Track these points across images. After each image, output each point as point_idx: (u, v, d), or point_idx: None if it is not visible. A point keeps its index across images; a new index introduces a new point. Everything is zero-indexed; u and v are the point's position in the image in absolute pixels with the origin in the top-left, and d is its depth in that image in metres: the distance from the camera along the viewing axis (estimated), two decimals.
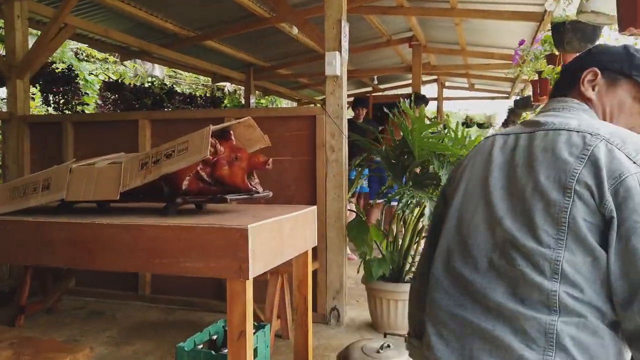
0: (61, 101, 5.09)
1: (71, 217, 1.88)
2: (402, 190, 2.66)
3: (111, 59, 12.79)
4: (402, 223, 3.17)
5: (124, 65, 12.75)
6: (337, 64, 3.08)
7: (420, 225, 3.03)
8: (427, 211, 2.45)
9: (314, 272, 3.18)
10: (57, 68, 5.13)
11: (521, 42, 4.23)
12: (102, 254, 1.82)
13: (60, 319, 3.38)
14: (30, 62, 3.91)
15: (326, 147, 3.15)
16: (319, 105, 3.15)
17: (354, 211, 3.45)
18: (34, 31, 5.17)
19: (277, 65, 8.13)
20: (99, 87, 6.18)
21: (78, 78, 5.37)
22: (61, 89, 5.02)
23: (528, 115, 7.16)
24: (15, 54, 3.92)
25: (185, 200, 1.91)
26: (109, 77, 6.83)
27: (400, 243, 3.10)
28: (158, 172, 1.80)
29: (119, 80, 6.07)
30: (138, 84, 6.83)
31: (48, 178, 2.01)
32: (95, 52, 12.45)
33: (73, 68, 5.30)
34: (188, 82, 13.33)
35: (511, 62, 7.06)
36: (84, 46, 12.52)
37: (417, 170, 3.03)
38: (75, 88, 5.23)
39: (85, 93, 5.45)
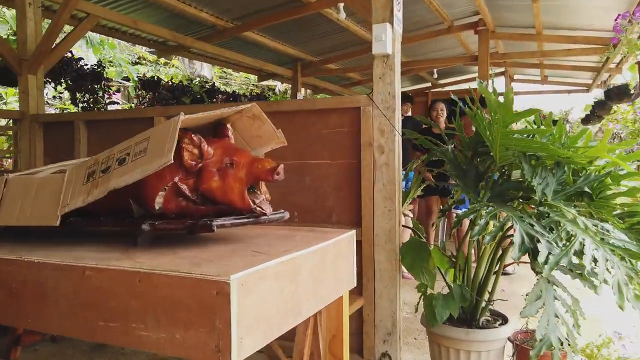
0: (90, 100, 4.70)
1: None
2: (478, 207, 1.92)
3: (162, 61, 12.69)
4: (472, 241, 2.41)
5: (175, 67, 12.61)
6: (387, 38, 2.37)
7: (500, 250, 2.26)
8: (517, 238, 1.69)
9: (359, 309, 2.49)
10: (86, 64, 4.76)
11: (624, 15, 3.34)
12: (31, 306, 1.23)
13: (61, 351, 2.90)
14: (41, 55, 3.48)
15: (374, 147, 2.45)
16: (364, 94, 2.44)
17: (409, 228, 2.72)
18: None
19: (325, 60, 7.49)
20: (134, 86, 5.80)
21: (106, 75, 4.97)
22: (89, 86, 4.63)
23: (619, 109, 6.04)
24: (27, 46, 3.51)
25: (154, 226, 1.28)
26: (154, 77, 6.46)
27: (473, 273, 2.34)
28: (105, 186, 1.18)
29: (155, 78, 5.66)
30: (176, 81, 6.42)
31: None
32: (146, 54, 12.38)
33: (102, 64, 4.90)
34: (238, 82, 12.99)
35: (598, 46, 6.03)
36: (138, 48, 12.49)
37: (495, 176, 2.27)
38: (105, 86, 4.84)
39: (117, 91, 5.05)
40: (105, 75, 4.86)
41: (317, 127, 2.63)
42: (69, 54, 4.64)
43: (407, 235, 3.17)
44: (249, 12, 5.25)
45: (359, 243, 2.52)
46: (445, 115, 4.64)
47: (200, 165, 1.32)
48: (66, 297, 1.20)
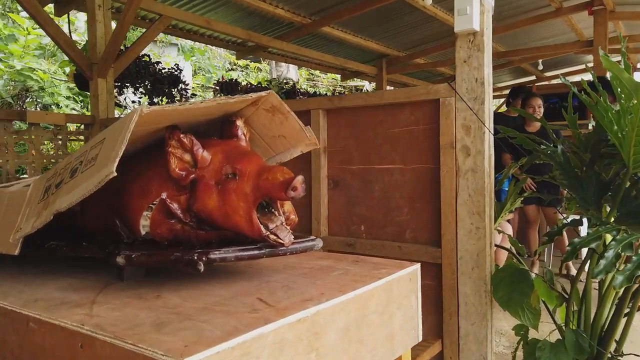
0: (168, 103, 4.65)
1: None
2: (602, 230, 1.36)
3: (252, 65, 12.86)
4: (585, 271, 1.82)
5: (265, 71, 12.72)
6: (474, 11, 1.87)
7: (636, 284, 1.66)
8: None
9: (438, 354, 2.00)
10: (164, 68, 4.72)
11: None
12: None
13: None
14: (110, 58, 3.40)
15: (456, 149, 1.96)
16: (445, 84, 1.96)
17: (505, 249, 2.18)
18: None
19: (412, 55, 6.94)
20: (213, 89, 5.73)
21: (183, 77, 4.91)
22: (166, 90, 4.58)
23: None
24: (97, 50, 3.46)
25: (130, 260, 0.94)
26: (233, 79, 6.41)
27: (594, 314, 1.76)
28: (51, 208, 0.86)
29: (233, 80, 5.54)
30: (255, 83, 6.27)
31: None
32: (234, 59, 12.62)
33: (179, 66, 4.84)
34: (325, 83, 12.78)
35: None
36: (227, 53, 12.79)
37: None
38: (183, 89, 4.77)
39: (194, 94, 4.98)
40: (182, 79, 4.80)
41: (386, 126, 2.19)
42: (147, 58, 4.63)
43: (502, 257, 2.60)
44: (326, 6, 4.91)
45: (438, 267, 2.04)
46: (542, 112, 3.91)
47: (192, 176, 0.96)
48: (12, 353, 0.90)
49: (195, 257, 0.89)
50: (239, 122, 1.04)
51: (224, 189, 0.94)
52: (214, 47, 10.97)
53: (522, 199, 2.24)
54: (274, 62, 10.47)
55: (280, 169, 0.92)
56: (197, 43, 10.00)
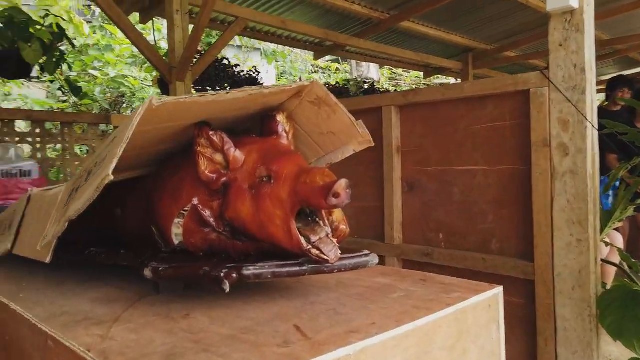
0: None
1: None
2: None
3: (332, 66, 12.83)
4: None
5: (346, 72, 12.62)
6: None
7: None
8: None
9: None
10: (243, 71, 4.76)
11: None
12: None
13: None
14: (187, 62, 3.46)
15: (552, 147, 1.68)
16: (536, 72, 1.69)
17: (615, 265, 1.84)
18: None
19: (501, 47, 6.45)
20: None
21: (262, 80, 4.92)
22: None
23: None
24: (176, 54, 3.53)
25: (157, 273, 0.84)
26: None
27: None
28: (67, 215, 0.77)
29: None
30: (333, 83, 6.15)
31: (9, 217, 1.21)
32: (317, 61, 12.64)
33: (258, 71, 4.86)
34: (408, 82, 12.40)
35: None
36: (309, 55, 12.86)
37: None
38: None
39: None
40: (260, 81, 4.81)
41: (466, 121, 1.95)
42: (226, 61, 4.69)
43: (610, 275, 2.23)
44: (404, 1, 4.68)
45: (529, 284, 1.77)
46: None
47: (223, 179, 0.83)
48: None
49: (223, 274, 0.76)
50: (280, 117, 0.89)
51: (257, 194, 0.80)
52: (296, 50, 11.08)
53: (634, 206, 1.89)
54: (354, 62, 10.33)
55: (321, 171, 0.76)
56: (279, 46, 10.15)
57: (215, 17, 4.55)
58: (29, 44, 3.23)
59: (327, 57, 13.02)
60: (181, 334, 0.73)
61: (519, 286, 1.78)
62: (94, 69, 6.33)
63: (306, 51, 6.76)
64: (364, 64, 10.45)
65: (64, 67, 6.41)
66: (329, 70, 12.62)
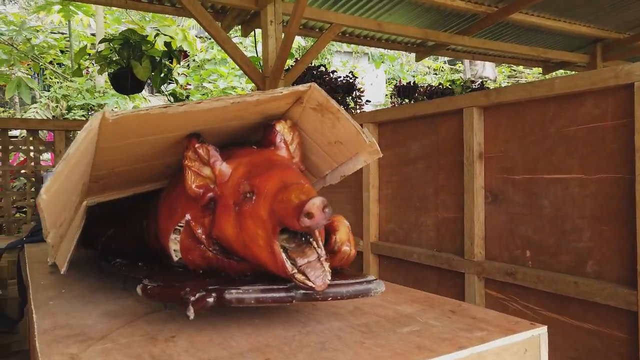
0: None
1: None
2: None
3: (437, 66, 12.32)
4: None
5: (457, 71, 12.05)
6: None
7: None
8: None
9: None
10: (339, 77, 4.74)
11: None
12: None
13: None
14: (279, 70, 3.53)
15: None
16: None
17: None
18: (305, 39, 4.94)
19: (638, 35, 5.62)
20: (391, 94, 5.56)
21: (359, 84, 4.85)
22: (339, 98, 4.59)
23: None
24: (269, 63, 3.62)
25: (146, 292, 0.81)
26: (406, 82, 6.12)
27: None
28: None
29: (410, 84, 5.27)
30: (436, 84, 5.87)
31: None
32: (430, 62, 12.25)
33: (356, 76, 4.81)
34: (530, 79, 11.44)
35: None
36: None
37: None
38: (357, 96, 4.72)
39: (368, 101, 4.88)
40: (357, 86, 4.75)
41: (558, 123, 1.68)
42: (323, 68, 4.72)
43: None
44: None
45: (632, 315, 1.46)
46: None
47: (210, 194, 0.78)
48: None
49: (195, 298, 0.71)
50: (280, 126, 0.82)
51: (240, 212, 0.74)
52: (405, 53, 10.85)
53: None
54: (467, 61, 9.80)
55: (299, 188, 0.67)
56: (387, 50, 10.01)
57: (314, 25, 4.61)
58: (141, 62, 3.55)
59: (440, 58, 12.55)
60: None
61: (619, 317, 1.48)
62: (209, 82, 6.81)
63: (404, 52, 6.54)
64: (478, 62, 9.86)
65: (181, 80, 7.02)
66: (442, 70, 12.15)
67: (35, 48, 7.49)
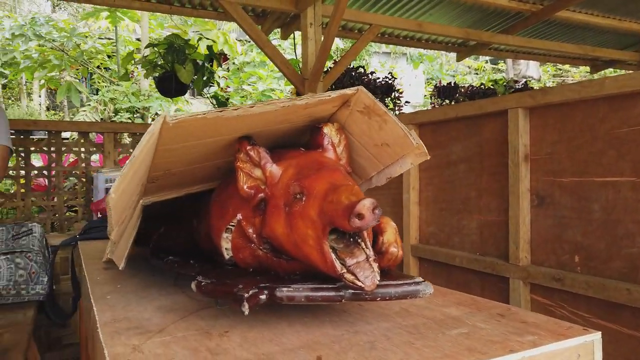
0: None
1: None
2: None
3: (479, 65, 12.07)
4: None
5: (500, 71, 11.78)
6: None
7: None
8: None
9: None
10: (378, 78, 4.73)
11: None
12: None
13: None
14: (318, 72, 3.55)
15: None
16: None
17: None
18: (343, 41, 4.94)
19: None
20: (430, 94, 5.49)
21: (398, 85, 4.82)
22: (378, 99, 4.57)
23: None
24: (308, 66, 3.66)
25: (200, 288, 0.84)
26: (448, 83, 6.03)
27: None
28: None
29: (450, 84, 5.19)
30: (477, 85, 5.75)
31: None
32: (470, 62, 12.02)
33: (394, 77, 4.78)
34: (577, 78, 11.05)
35: None
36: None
37: None
38: (396, 97, 4.70)
39: (407, 102, 4.84)
40: (395, 87, 4.72)
41: (609, 124, 1.63)
42: (362, 69, 4.72)
43: None
44: None
45: None
46: None
47: (260, 195, 0.80)
48: None
49: (248, 295, 0.73)
50: (327, 129, 0.84)
51: (290, 212, 0.76)
52: (445, 53, 10.69)
53: None
54: (510, 60, 9.56)
55: (348, 189, 0.69)
56: (427, 50, 9.89)
57: (353, 27, 4.61)
58: (184, 66, 3.65)
59: (482, 58, 12.29)
60: (203, 354, 0.72)
61: None
62: (248, 84, 6.93)
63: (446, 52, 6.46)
64: (521, 61, 9.61)
65: (222, 83, 7.16)
66: (484, 70, 11.90)
67: (84, 53, 7.82)
